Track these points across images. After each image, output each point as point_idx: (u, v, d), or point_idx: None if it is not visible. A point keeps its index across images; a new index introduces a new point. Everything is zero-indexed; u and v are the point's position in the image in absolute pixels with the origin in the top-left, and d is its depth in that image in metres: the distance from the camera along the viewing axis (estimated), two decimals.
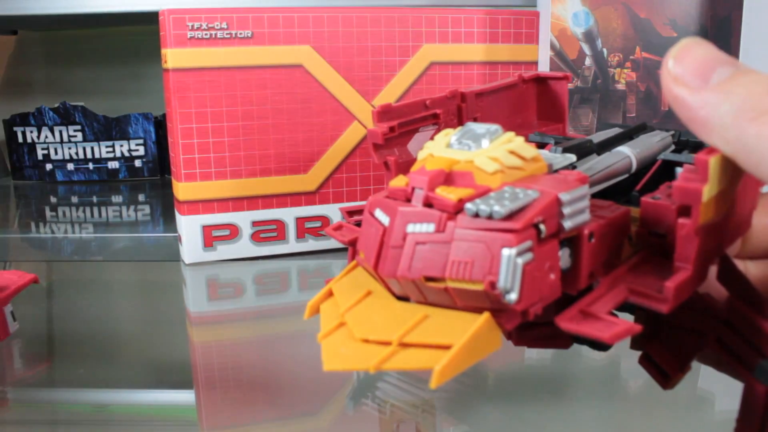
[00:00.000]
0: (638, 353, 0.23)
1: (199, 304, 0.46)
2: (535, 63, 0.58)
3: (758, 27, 0.48)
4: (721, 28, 0.50)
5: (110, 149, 0.88)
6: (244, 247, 0.52)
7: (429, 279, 0.17)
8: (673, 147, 0.28)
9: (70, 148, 0.88)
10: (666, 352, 0.22)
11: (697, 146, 0.27)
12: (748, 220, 0.22)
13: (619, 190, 0.25)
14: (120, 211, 0.74)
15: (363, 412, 0.30)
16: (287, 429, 0.29)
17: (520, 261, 0.16)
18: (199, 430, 0.30)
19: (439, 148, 0.20)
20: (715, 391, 0.31)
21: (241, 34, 0.49)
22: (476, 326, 0.16)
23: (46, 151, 0.88)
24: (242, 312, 0.44)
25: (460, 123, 0.29)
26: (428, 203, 0.18)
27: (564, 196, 0.17)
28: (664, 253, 0.19)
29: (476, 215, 0.17)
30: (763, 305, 0.19)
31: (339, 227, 0.27)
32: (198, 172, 0.50)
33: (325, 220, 0.53)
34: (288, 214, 0.53)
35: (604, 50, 0.57)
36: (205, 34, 0.48)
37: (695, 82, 0.18)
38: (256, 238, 0.52)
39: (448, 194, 0.17)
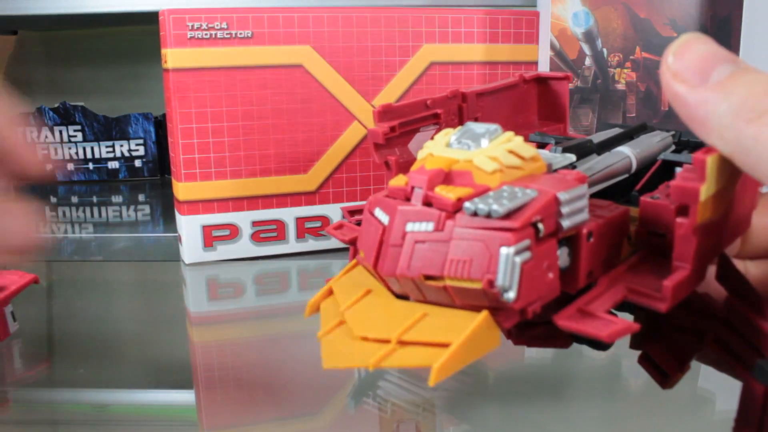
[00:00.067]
0: (638, 353, 0.23)
1: (199, 304, 0.46)
2: (535, 63, 0.58)
3: (758, 27, 0.48)
4: (721, 28, 0.50)
5: (110, 149, 0.88)
6: (244, 247, 0.52)
7: (428, 277, 0.17)
8: (673, 147, 0.28)
9: (70, 148, 0.88)
10: (665, 351, 0.22)
11: (697, 146, 0.27)
12: (748, 220, 0.22)
13: (619, 190, 0.25)
14: (120, 211, 0.74)
15: (364, 411, 0.30)
16: (287, 429, 0.29)
17: (518, 260, 0.16)
18: (199, 430, 0.30)
19: (438, 148, 0.20)
20: (715, 390, 0.31)
21: (241, 34, 0.49)
22: (475, 324, 0.16)
23: (46, 151, 0.88)
24: (242, 312, 0.44)
25: (461, 123, 0.29)
26: (427, 202, 0.18)
27: (562, 196, 0.17)
28: (663, 252, 0.19)
29: (475, 214, 0.17)
30: (761, 305, 0.19)
31: (340, 226, 0.27)
32: (198, 172, 0.50)
33: (325, 220, 0.53)
34: (288, 214, 0.53)
35: (604, 50, 0.57)
36: (205, 34, 0.48)
37: (695, 79, 0.18)
38: (256, 238, 0.52)
39: (447, 193, 0.17)
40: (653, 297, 0.18)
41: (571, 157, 0.24)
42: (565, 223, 0.17)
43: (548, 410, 0.30)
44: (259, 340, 0.40)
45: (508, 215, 0.16)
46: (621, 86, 0.56)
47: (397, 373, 0.32)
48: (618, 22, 0.56)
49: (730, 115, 0.17)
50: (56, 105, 0.87)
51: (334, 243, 0.54)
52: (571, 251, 0.18)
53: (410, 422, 0.29)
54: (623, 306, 0.19)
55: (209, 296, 0.47)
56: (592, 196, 0.22)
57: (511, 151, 0.19)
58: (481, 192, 0.18)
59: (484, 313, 0.17)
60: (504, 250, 0.16)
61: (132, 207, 0.76)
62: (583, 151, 0.25)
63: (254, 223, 0.52)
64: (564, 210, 0.17)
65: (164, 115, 0.85)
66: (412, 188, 0.18)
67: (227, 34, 0.49)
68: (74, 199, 0.80)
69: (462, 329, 0.16)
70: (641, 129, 0.29)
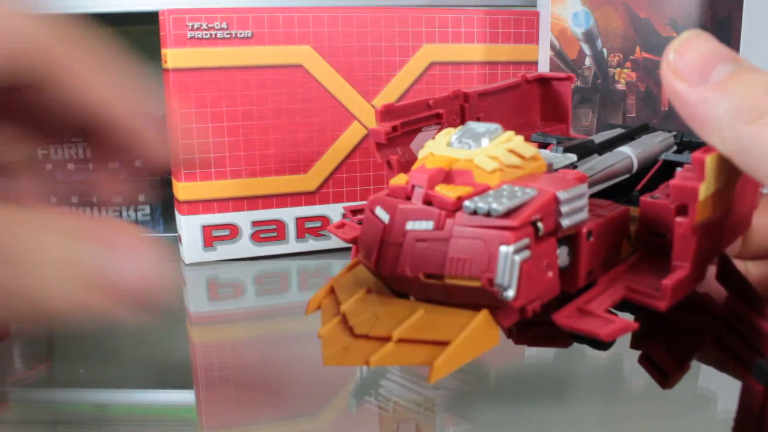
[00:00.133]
0: (639, 353, 0.23)
1: (199, 304, 0.46)
2: (535, 63, 0.58)
3: (758, 27, 0.48)
4: (721, 28, 0.50)
5: None
6: (244, 247, 0.52)
7: (428, 276, 0.17)
8: (675, 148, 0.28)
9: (70, 148, 0.88)
10: (665, 351, 0.22)
11: (699, 147, 0.27)
12: (748, 220, 0.22)
13: (621, 191, 0.25)
14: (120, 211, 0.74)
15: (365, 410, 0.30)
16: (287, 429, 0.29)
17: (517, 258, 0.16)
18: (199, 430, 0.30)
19: (439, 147, 0.20)
20: (715, 390, 0.31)
21: (241, 34, 0.49)
22: (474, 323, 0.16)
23: (46, 151, 0.88)
24: (242, 312, 0.44)
25: (463, 123, 0.29)
26: (428, 201, 0.18)
27: (562, 195, 0.17)
28: (663, 252, 0.19)
29: (474, 213, 0.17)
30: (761, 305, 0.19)
31: (341, 225, 0.27)
32: (198, 172, 0.50)
33: (325, 220, 0.53)
34: (288, 214, 0.53)
35: (604, 50, 0.57)
36: (205, 34, 0.48)
37: (695, 78, 0.18)
38: (256, 238, 0.52)
39: (448, 192, 0.17)
40: (653, 296, 0.18)
41: (572, 157, 0.24)
42: (565, 222, 0.17)
43: (548, 410, 0.30)
44: (259, 340, 0.40)
45: (507, 214, 0.16)
46: (621, 86, 0.56)
47: (398, 372, 0.32)
48: (618, 22, 0.56)
49: (729, 115, 0.17)
50: None
51: (334, 243, 0.54)
52: (570, 250, 0.18)
53: (410, 422, 0.29)
54: (624, 306, 0.19)
55: (209, 296, 0.47)
56: (594, 195, 0.22)
57: (511, 151, 0.19)
58: (481, 191, 0.18)
59: (484, 312, 0.17)
60: (503, 249, 0.16)
61: (132, 207, 0.76)
62: (585, 151, 0.25)
63: (254, 223, 0.52)
64: (563, 209, 0.17)
65: (164, 115, 0.84)
66: (413, 187, 0.18)
67: (227, 34, 0.49)
68: (74, 199, 0.80)
69: (461, 328, 0.16)
70: (643, 129, 0.29)
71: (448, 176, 0.18)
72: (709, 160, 0.17)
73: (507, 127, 0.20)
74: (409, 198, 0.18)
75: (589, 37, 0.57)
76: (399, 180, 0.19)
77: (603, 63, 0.57)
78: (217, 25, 0.48)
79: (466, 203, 0.17)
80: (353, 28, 0.52)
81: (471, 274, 0.16)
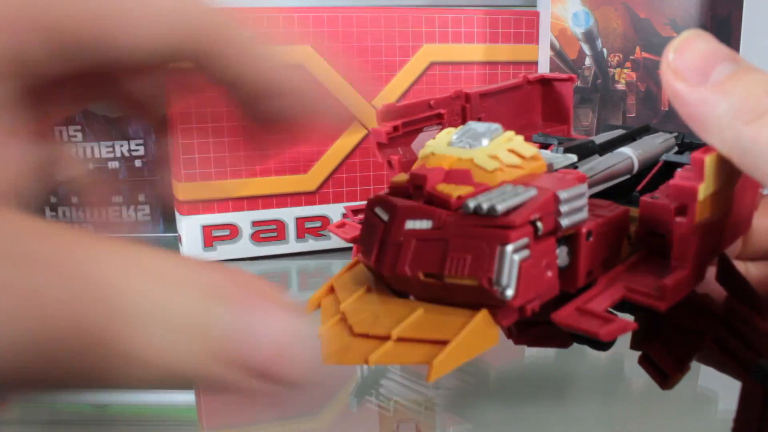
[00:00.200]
0: (639, 353, 0.23)
1: None
2: (535, 63, 0.58)
3: (758, 27, 0.48)
4: (721, 28, 0.50)
5: (110, 149, 0.88)
6: (244, 247, 0.52)
7: (427, 275, 0.17)
8: (676, 149, 0.28)
9: (70, 148, 0.88)
10: (665, 352, 0.22)
11: (700, 148, 0.27)
12: (748, 221, 0.22)
13: (621, 191, 0.25)
14: (120, 211, 0.74)
15: (365, 410, 0.30)
16: (287, 429, 0.29)
17: (516, 257, 0.16)
18: (199, 430, 0.30)
19: (440, 146, 0.20)
20: (715, 390, 0.31)
21: None
22: (473, 322, 0.16)
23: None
24: None
25: (464, 123, 0.29)
26: (428, 200, 0.18)
27: (561, 194, 0.17)
28: (663, 252, 0.19)
29: (474, 212, 0.17)
30: (761, 305, 0.19)
31: (342, 225, 0.27)
32: (198, 172, 0.50)
33: (325, 220, 0.53)
34: (288, 214, 0.53)
35: (604, 50, 0.57)
36: None
37: (695, 78, 0.18)
38: (256, 238, 0.52)
39: (448, 191, 0.17)
40: (652, 296, 0.18)
41: (572, 157, 0.24)
42: (564, 222, 0.17)
43: (548, 410, 0.30)
44: None
45: (507, 213, 0.16)
46: (621, 86, 0.56)
47: (399, 372, 0.32)
48: (618, 22, 0.56)
49: (729, 116, 0.17)
50: None
51: (334, 243, 0.54)
52: (570, 250, 0.18)
53: (411, 421, 0.29)
54: (624, 306, 0.19)
55: None
56: (594, 196, 0.22)
57: (511, 150, 0.19)
58: (481, 190, 0.18)
59: (483, 311, 0.17)
60: (502, 248, 0.16)
61: (132, 207, 0.76)
62: (585, 151, 0.25)
63: (254, 223, 0.52)
64: (563, 209, 0.17)
65: (164, 115, 0.85)
66: (413, 186, 0.18)
67: None
68: (74, 199, 0.80)
69: (461, 327, 0.16)
70: (644, 130, 0.29)
71: (448, 175, 0.18)
72: (709, 161, 0.17)
73: (508, 127, 0.20)
74: (409, 197, 0.18)
75: (589, 37, 0.57)
76: (399, 179, 0.19)
77: (603, 63, 0.57)
78: None
79: (466, 202, 0.17)
80: (353, 28, 0.52)
81: (470, 273, 0.16)
